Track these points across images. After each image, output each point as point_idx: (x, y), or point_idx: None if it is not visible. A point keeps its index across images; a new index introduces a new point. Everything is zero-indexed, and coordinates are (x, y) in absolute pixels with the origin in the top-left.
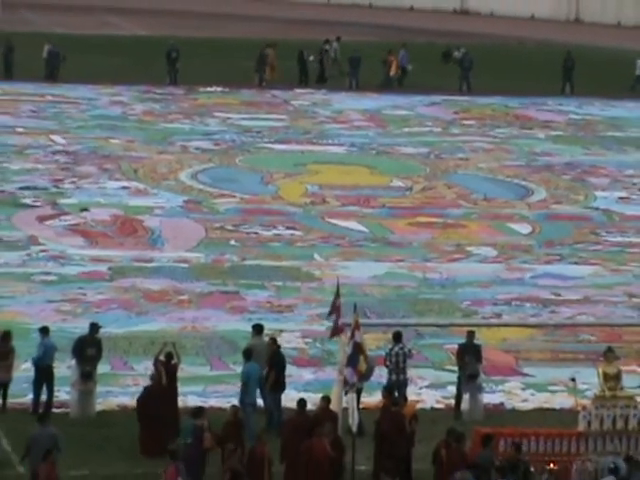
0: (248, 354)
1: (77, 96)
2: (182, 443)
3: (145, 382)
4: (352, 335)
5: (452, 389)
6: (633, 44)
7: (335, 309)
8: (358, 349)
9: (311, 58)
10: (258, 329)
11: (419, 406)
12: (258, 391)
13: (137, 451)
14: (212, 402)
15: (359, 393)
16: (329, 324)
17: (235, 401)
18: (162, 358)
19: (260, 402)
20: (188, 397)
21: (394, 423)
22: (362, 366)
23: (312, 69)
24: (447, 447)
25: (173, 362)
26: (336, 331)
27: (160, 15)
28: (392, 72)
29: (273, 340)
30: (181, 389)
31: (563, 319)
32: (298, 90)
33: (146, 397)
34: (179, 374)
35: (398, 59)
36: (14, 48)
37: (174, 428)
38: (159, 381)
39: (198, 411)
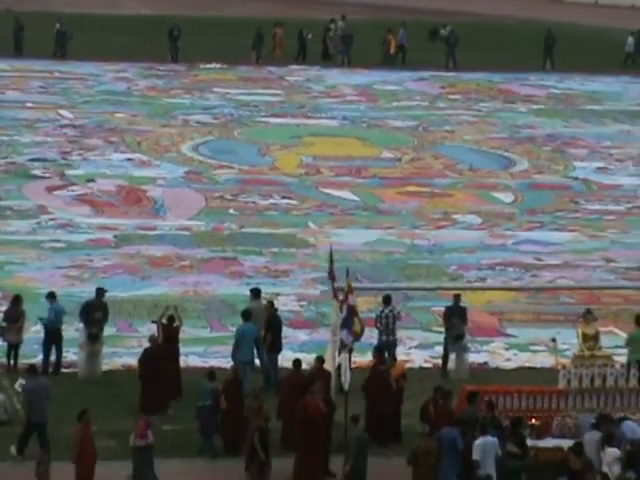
0: (247, 315)
1: (84, 72)
2: (200, 405)
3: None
4: (345, 298)
5: (439, 349)
6: (609, 22)
7: (331, 274)
8: (352, 312)
9: (310, 36)
10: (256, 293)
11: (408, 365)
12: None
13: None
14: (212, 362)
15: (350, 353)
16: (323, 288)
17: None
18: (164, 321)
19: (257, 361)
20: (189, 357)
21: (380, 381)
22: (357, 327)
23: (310, 47)
24: (434, 404)
25: (175, 325)
26: (336, 294)
27: None
28: (392, 50)
29: (270, 303)
30: (183, 350)
31: (544, 283)
32: (293, 66)
33: (146, 358)
34: (181, 336)
35: (397, 38)
36: (24, 27)
37: (174, 387)
38: (157, 342)
39: (213, 374)
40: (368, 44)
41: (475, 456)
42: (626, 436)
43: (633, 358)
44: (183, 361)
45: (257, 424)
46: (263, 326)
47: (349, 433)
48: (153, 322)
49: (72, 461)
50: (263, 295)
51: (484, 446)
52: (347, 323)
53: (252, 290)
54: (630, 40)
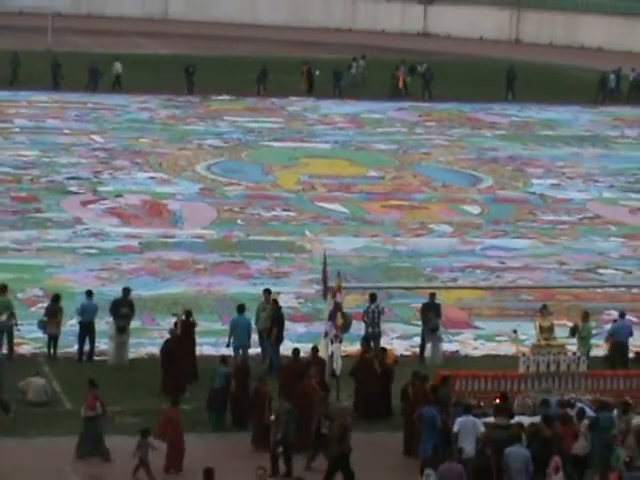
0: (240, 308)
1: (113, 103)
2: (214, 387)
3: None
4: (334, 296)
5: (417, 339)
6: (562, 60)
7: (324, 276)
8: (338, 307)
9: (317, 73)
10: (267, 293)
11: (393, 353)
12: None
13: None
14: (223, 351)
15: (340, 343)
16: (319, 288)
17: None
18: (182, 317)
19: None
20: (203, 347)
21: (367, 367)
22: (339, 320)
23: (317, 81)
24: (413, 386)
25: (191, 319)
26: (326, 293)
27: (179, 37)
28: (400, 84)
29: (275, 301)
30: (198, 340)
31: (507, 282)
32: (292, 98)
33: (167, 347)
34: (196, 328)
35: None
36: (61, 64)
37: (191, 372)
38: (176, 334)
39: (226, 360)
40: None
41: (455, 429)
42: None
43: (582, 349)
44: (198, 350)
45: (321, 410)
46: (269, 321)
47: (280, 407)
48: (174, 314)
49: (155, 437)
50: (267, 293)
51: (464, 423)
52: (332, 316)
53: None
54: (612, 77)
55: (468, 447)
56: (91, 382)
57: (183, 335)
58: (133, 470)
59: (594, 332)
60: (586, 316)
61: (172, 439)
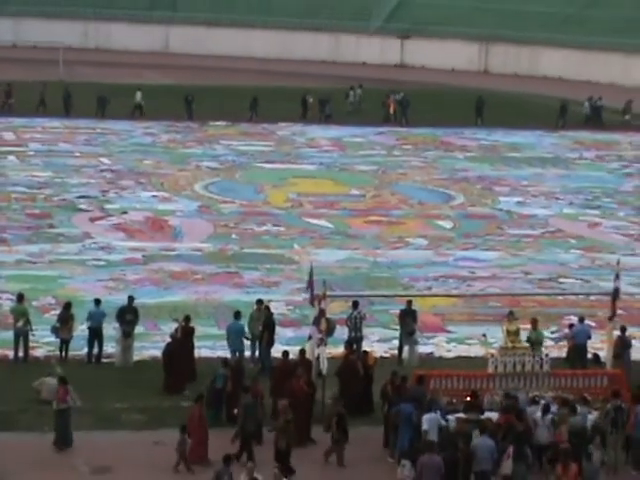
0: (236, 315)
1: (119, 129)
2: (213, 387)
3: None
4: (319, 303)
5: (395, 342)
6: (526, 89)
7: (310, 285)
8: (322, 314)
9: (311, 100)
10: (259, 304)
11: (373, 355)
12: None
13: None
14: (219, 353)
15: (325, 346)
16: (306, 296)
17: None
18: (182, 322)
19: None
20: (202, 350)
21: (351, 368)
22: (323, 326)
23: (312, 108)
24: (392, 384)
25: (190, 325)
26: (312, 300)
27: (179, 69)
28: (391, 111)
29: (267, 308)
30: (196, 344)
31: (477, 290)
32: (281, 123)
33: (168, 350)
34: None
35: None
36: (72, 94)
37: (190, 373)
38: (177, 338)
39: (227, 362)
40: (342, 105)
41: (424, 427)
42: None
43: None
44: (197, 352)
45: (336, 410)
46: (261, 326)
47: (241, 401)
48: (174, 320)
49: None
50: (259, 298)
51: (430, 419)
52: (316, 322)
53: (257, 300)
54: (586, 104)
55: (433, 438)
56: (62, 379)
57: (183, 339)
58: (175, 465)
59: (553, 336)
60: (535, 323)
61: (197, 434)
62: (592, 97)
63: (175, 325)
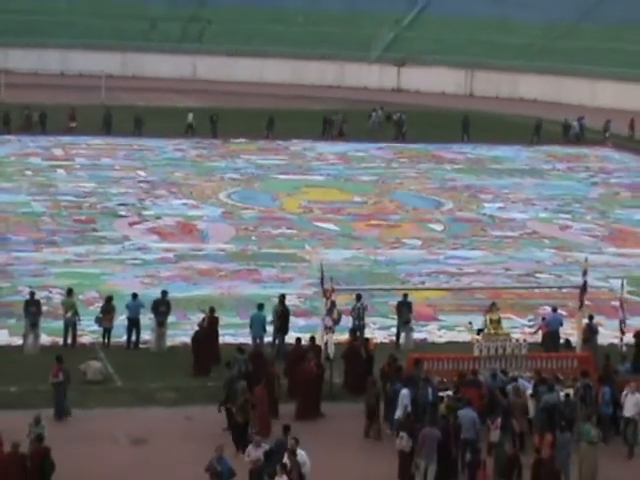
0: (259, 306)
1: (153, 145)
2: (229, 371)
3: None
4: (330, 296)
5: (393, 330)
6: (507, 109)
7: (320, 280)
8: (333, 305)
9: (333, 118)
10: (281, 298)
11: (373, 341)
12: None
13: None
14: (241, 340)
15: (333, 333)
16: (315, 290)
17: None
18: (208, 313)
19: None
20: (225, 337)
21: (354, 352)
22: (335, 315)
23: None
24: (390, 365)
25: (215, 315)
26: (324, 293)
27: (205, 93)
28: (404, 129)
29: (282, 301)
30: (220, 332)
31: (464, 285)
32: (294, 140)
33: (196, 337)
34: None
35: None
36: (112, 115)
37: (214, 358)
38: (204, 327)
39: (242, 350)
40: (352, 123)
41: (404, 401)
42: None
43: None
44: (220, 339)
45: (367, 400)
46: (277, 316)
47: (226, 375)
48: (202, 311)
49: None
50: (276, 295)
51: (407, 395)
52: (329, 312)
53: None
54: (575, 124)
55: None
56: (58, 358)
57: (209, 327)
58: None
59: (530, 323)
60: (360, 315)
61: (262, 412)
62: (581, 117)
63: (202, 315)
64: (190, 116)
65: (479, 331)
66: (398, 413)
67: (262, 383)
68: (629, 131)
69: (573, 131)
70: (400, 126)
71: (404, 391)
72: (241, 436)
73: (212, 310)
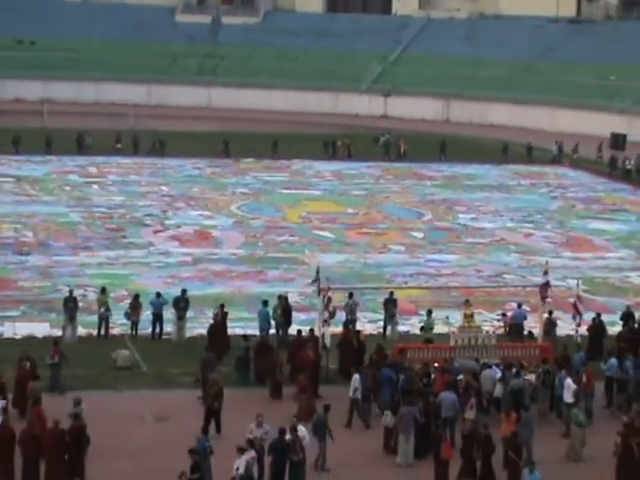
0: (264, 303)
1: (174, 164)
2: (238, 355)
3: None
4: (326, 293)
5: (381, 323)
6: (480, 133)
7: (317, 280)
8: (329, 301)
9: (339, 143)
10: (280, 296)
11: (364, 333)
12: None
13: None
14: (249, 331)
15: (329, 326)
16: (314, 288)
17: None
18: (220, 309)
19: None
20: (235, 329)
21: (347, 343)
22: (331, 310)
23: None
24: (377, 353)
25: (225, 310)
26: (319, 292)
27: (219, 119)
28: (402, 150)
29: (285, 298)
30: (232, 324)
31: (442, 284)
32: (295, 160)
33: (211, 329)
34: (230, 316)
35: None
36: (139, 138)
37: (226, 347)
38: (217, 320)
39: (247, 337)
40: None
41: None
42: (493, 372)
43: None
44: (231, 331)
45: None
46: (280, 310)
47: (200, 356)
48: (217, 308)
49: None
50: (280, 292)
51: (357, 379)
52: (326, 307)
53: (279, 296)
54: (554, 147)
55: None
56: (54, 342)
57: (222, 320)
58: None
59: (498, 317)
60: (429, 313)
61: (306, 398)
62: (557, 141)
63: (216, 311)
64: (225, 140)
65: (422, 329)
66: (387, 395)
67: (306, 372)
68: (598, 153)
69: (552, 154)
70: (387, 148)
71: (356, 375)
72: (216, 420)
73: (222, 306)
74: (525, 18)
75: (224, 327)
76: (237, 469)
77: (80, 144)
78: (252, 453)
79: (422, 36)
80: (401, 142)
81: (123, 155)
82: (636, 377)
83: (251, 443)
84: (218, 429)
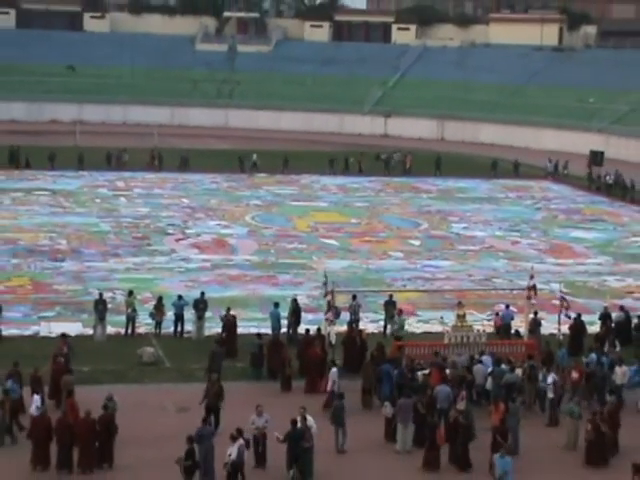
0: (275, 304)
1: (194, 179)
2: (252, 352)
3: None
4: (332, 296)
5: (381, 323)
6: (469, 151)
7: (325, 284)
8: (333, 302)
9: (351, 160)
10: (293, 299)
11: (366, 331)
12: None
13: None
14: (262, 330)
15: (334, 325)
16: (321, 291)
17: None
18: (227, 312)
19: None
20: (250, 328)
21: (351, 340)
22: (335, 311)
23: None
24: (378, 350)
25: (232, 313)
26: (326, 294)
27: (235, 138)
28: (407, 165)
29: (295, 300)
30: (245, 324)
31: (437, 287)
32: (304, 175)
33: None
34: (244, 316)
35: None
36: (163, 155)
37: (235, 344)
38: (230, 320)
39: (260, 335)
40: (349, 162)
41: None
42: (484, 367)
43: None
44: (245, 329)
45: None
46: (290, 311)
47: (210, 349)
48: (226, 310)
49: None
50: (290, 295)
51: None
52: (329, 309)
53: (293, 299)
54: (549, 164)
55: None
56: (62, 335)
57: (233, 320)
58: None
59: (488, 317)
60: (400, 312)
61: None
62: (550, 159)
63: (225, 314)
64: (254, 156)
65: (397, 338)
66: (387, 388)
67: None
68: (587, 169)
69: (547, 170)
70: (387, 164)
71: (333, 369)
72: (215, 416)
73: (228, 309)
74: (512, 47)
75: (234, 334)
76: (229, 455)
77: (110, 161)
78: (241, 441)
79: (419, 63)
80: (407, 159)
81: (147, 171)
82: (602, 371)
83: (240, 432)
84: (217, 425)
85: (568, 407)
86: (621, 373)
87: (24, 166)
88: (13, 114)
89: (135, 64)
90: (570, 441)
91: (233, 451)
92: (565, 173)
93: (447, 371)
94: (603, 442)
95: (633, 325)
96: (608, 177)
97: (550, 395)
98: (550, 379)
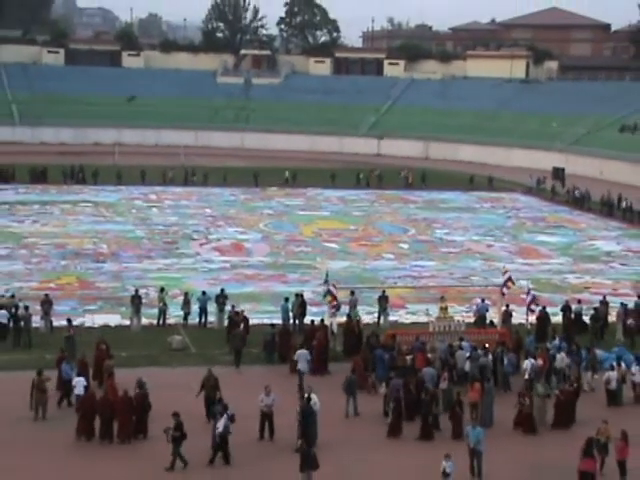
0: (285, 299)
1: (215, 192)
2: (266, 339)
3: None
4: (333, 292)
5: (376, 314)
6: (450, 168)
7: (327, 281)
8: (334, 297)
9: (361, 176)
10: (298, 294)
11: (362, 322)
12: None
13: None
14: (274, 320)
15: (335, 317)
16: (323, 288)
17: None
18: (234, 309)
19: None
20: (264, 319)
21: (350, 329)
22: (335, 304)
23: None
24: (372, 338)
25: (238, 309)
26: (328, 292)
27: (250, 157)
28: (410, 180)
29: (301, 295)
30: (258, 315)
31: (423, 283)
32: (310, 188)
33: (230, 322)
34: (257, 309)
35: (409, 174)
36: (189, 172)
37: (244, 336)
38: (240, 315)
39: (273, 325)
40: (350, 177)
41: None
42: (464, 352)
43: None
44: (259, 320)
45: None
46: (297, 305)
47: (231, 334)
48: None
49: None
50: (297, 291)
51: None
52: (330, 302)
53: (296, 294)
54: (532, 180)
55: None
56: (68, 320)
57: (240, 315)
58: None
59: (467, 309)
60: (354, 305)
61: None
62: (532, 175)
63: (231, 312)
64: (287, 172)
65: (348, 316)
66: (381, 370)
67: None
68: (552, 183)
69: (529, 186)
70: (380, 179)
71: (301, 351)
72: (210, 407)
73: (233, 306)
74: (486, 79)
75: (244, 319)
76: (217, 428)
77: (144, 177)
78: (225, 417)
79: (407, 93)
80: (409, 175)
81: (176, 185)
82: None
83: (225, 408)
84: (208, 416)
85: (535, 386)
86: (560, 359)
87: (81, 181)
88: (62, 138)
89: (165, 94)
90: (539, 416)
91: (220, 425)
92: (542, 187)
93: (429, 355)
94: (567, 410)
95: (589, 316)
96: (577, 192)
97: (526, 377)
98: (528, 363)
